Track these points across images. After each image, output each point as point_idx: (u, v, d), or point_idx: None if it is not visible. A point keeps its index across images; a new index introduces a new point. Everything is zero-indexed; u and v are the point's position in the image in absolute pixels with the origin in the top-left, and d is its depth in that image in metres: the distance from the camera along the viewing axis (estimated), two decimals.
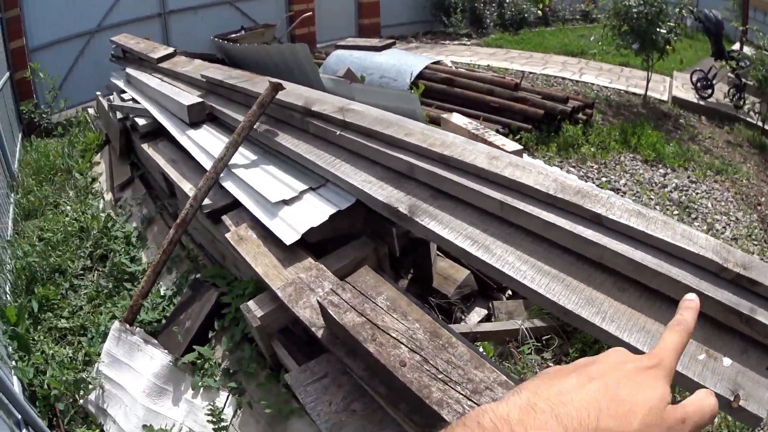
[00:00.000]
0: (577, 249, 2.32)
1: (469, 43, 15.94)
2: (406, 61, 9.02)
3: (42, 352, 4.11)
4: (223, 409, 3.14)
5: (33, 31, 10.19)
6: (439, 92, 8.53)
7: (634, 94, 11.23)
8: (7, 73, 9.16)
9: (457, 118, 5.02)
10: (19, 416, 3.43)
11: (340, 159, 3.30)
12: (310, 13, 13.47)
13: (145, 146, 5.18)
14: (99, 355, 3.93)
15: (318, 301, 2.42)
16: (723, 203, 7.55)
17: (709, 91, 11.39)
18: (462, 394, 1.96)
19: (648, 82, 10.89)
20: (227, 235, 3.33)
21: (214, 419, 2.94)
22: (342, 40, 12.26)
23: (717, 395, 1.78)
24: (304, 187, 3.33)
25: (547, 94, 8.64)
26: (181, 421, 3.31)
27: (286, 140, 3.70)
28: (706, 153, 9.23)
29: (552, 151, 7.90)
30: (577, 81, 11.84)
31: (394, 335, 2.17)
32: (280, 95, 3.88)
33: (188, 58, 6.33)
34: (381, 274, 2.68)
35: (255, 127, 3.91)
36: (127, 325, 3.80)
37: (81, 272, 5.01)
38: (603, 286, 2.21)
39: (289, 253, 3.05)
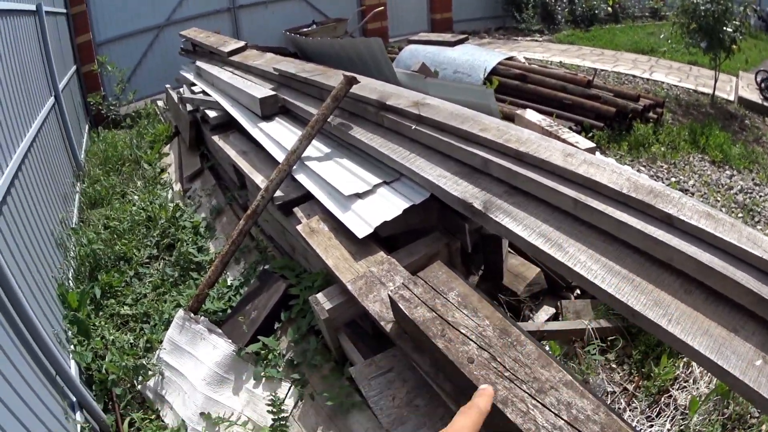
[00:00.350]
0: (648, 249, 2.36)
1: (541, 39, 16.21)
2: (479, 56, 9.13)
3: (102, 337, 4.33)
4: (284, 400, 3.27)
5: (100, 26, 10.78)
6: (512, 88, 8.67)
7: (702, 93, 11.37)
8: (74, 67, 9.65)
9: (531, 115, 5.07)
10: (74, 398, 3.65)
11: (414, 153, 3.40)
12: (382, 7, 13.72)
13: (215, 138, 5.40)
14: (161, 342, 4.12)
15: (389, 295, 2.51)
16: None
17: None
18: (527, 393, 2.02)
19: (716, 81, 11.06)
20: (299, 227, 3.47)
21: (275, 409, 3.06)
22: (414, 35, 12.41)
23: None
24: (378, 180, 3.45)
25: (618, 92, 8.75)
26: (240, 411, 3.45)
27: (360, 134, 3.83)
28: None
29: (623, 150, 8.03)
30: (647, 79, 12.03)
31: (463, 331, 2.24)
32: (355, 89, 4.02)
33: (259, 51, 6.56)
34: (452, 270, 2.76)
35: (329, 120, 4.06)
36: (192, 314, 3.99)
37: (147, 261, 5.24)
38: (671, 287, 2.25)
39: (360, 247, 3.16)
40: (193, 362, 3.80)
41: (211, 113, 5.71)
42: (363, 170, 3.61)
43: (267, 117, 4.92)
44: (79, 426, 3.54)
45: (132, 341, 4.30)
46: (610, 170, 2.64)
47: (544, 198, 2.72)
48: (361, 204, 3.32)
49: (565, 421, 1.94)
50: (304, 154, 3.97)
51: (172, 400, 3.80)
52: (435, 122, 3.37)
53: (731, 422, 3.43)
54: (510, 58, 9.58)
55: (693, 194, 7.24)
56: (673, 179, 7.62)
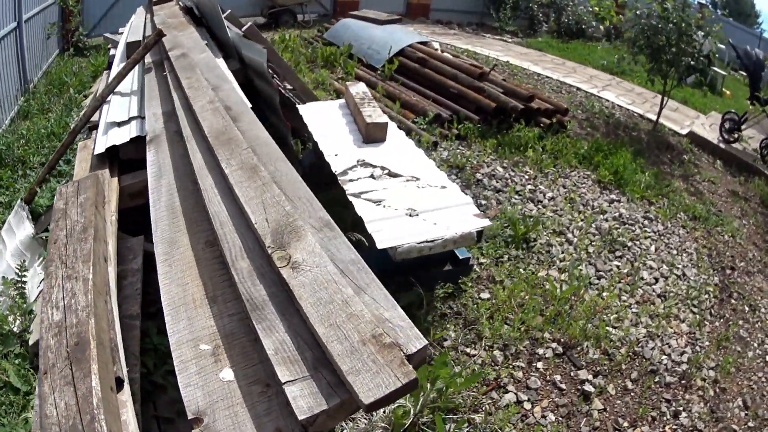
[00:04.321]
0: None
1: (510, 40, 15.34)
2: (395, 37, 9.62)
3: None
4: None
5: None
6: (411, 70, 8.92)
7: (649, 119, 10.35)
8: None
9: (356, 87, 5.66)
10: None
11: (157, 94, 4.14)
12: None
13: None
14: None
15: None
16: (675, 252, 6.20)
17: (735, 135, 10.08)
18: None
19: (661, 108, 9.88)
20: (79, 144, 4.26)
21: (19, 274, 3.92)
22: (388, 14, 12.67)
23: None
24: (135, 114, 4.19)
25: (509, 88, 8.34)
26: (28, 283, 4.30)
27: (149, 77, 4.56)
28: (692, 195, 7.89)
29: (489, 147, 7.35)
30: (591, 94, 11.18)
31: None
32: (165, 40, 4.74)
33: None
34: None
35: (147, 62, 4.80)
36: (24, 203, 4.83)
37: (36, 166, 6.08)
38: None
39: (99, 163, 3.93)
40: (12, 239, 4.65)
41: (111, 51, 6.51)
42: (135, 106, 4.35)
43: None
44: None
45: None
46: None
47: None
48: (114, 131, 4.07)
49: None
50: (120, 89, 4.72)
51: None
52: (176, 71, 4.09)
53: None
54: (424, 43, 9.81)
55: (544, 205, 6.45)
56: (527, 186, 6.76)
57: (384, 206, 4.00)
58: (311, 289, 1.77)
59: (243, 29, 5.21)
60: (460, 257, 4.52)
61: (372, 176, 4.45)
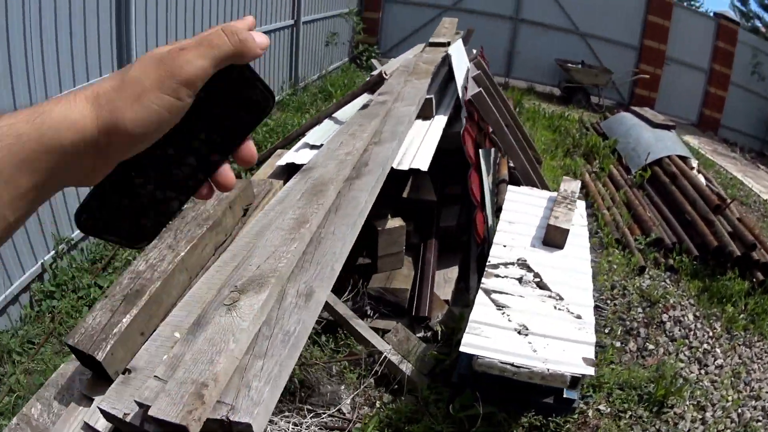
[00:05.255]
0: None
1: None
2: (658, 144, 9.26)
3: None
4: None
5: None
6: (661, 183, 8.45)
7: None
8: (342, 10, 11.66)
9: (569, 184, 5.37)
10: None
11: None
12: (647, 76, 13.81)
13: None
14: None
15: None
16: None
17: None
18: None
19: None
20: (275, 153, 4.76)
21: None
22: (677, 119, 12.26)
23: None
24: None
25: (739, 231, 7.20)
26: None
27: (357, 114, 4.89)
28: None
29: (692, 289, 6.56)
30: None
31: None
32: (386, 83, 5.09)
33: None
34: None
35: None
36: None
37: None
38: None
39: (280, 173, 4.35)
40: None
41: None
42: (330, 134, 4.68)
43: None
44: None
45: None
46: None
47: None
48: (305, 151, 4.44)
49: None
50: (337, 115, 5.15)
51: None
52: (363, 114, 4.36)
53: None
54: (684, 159, 9.14)
55: (707, 372, 5.59)
56: (705, 346, 5.83)
57: (503, 313, 3.86)
58: (215, 329, 1.96)
59: (470, 94, 5.37)
60: (564, 395, 4.20)
61: (520, 279, 4.26)
